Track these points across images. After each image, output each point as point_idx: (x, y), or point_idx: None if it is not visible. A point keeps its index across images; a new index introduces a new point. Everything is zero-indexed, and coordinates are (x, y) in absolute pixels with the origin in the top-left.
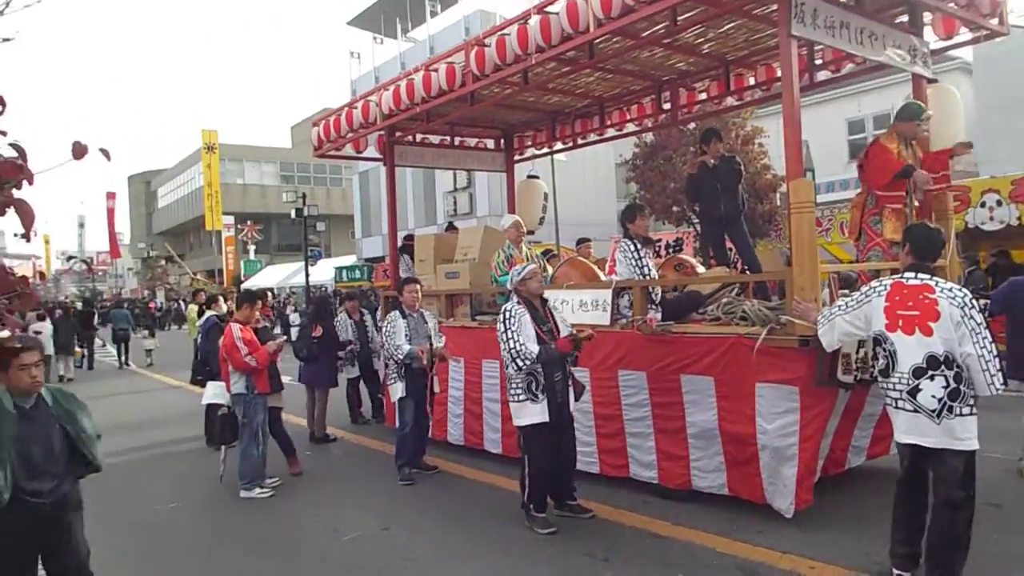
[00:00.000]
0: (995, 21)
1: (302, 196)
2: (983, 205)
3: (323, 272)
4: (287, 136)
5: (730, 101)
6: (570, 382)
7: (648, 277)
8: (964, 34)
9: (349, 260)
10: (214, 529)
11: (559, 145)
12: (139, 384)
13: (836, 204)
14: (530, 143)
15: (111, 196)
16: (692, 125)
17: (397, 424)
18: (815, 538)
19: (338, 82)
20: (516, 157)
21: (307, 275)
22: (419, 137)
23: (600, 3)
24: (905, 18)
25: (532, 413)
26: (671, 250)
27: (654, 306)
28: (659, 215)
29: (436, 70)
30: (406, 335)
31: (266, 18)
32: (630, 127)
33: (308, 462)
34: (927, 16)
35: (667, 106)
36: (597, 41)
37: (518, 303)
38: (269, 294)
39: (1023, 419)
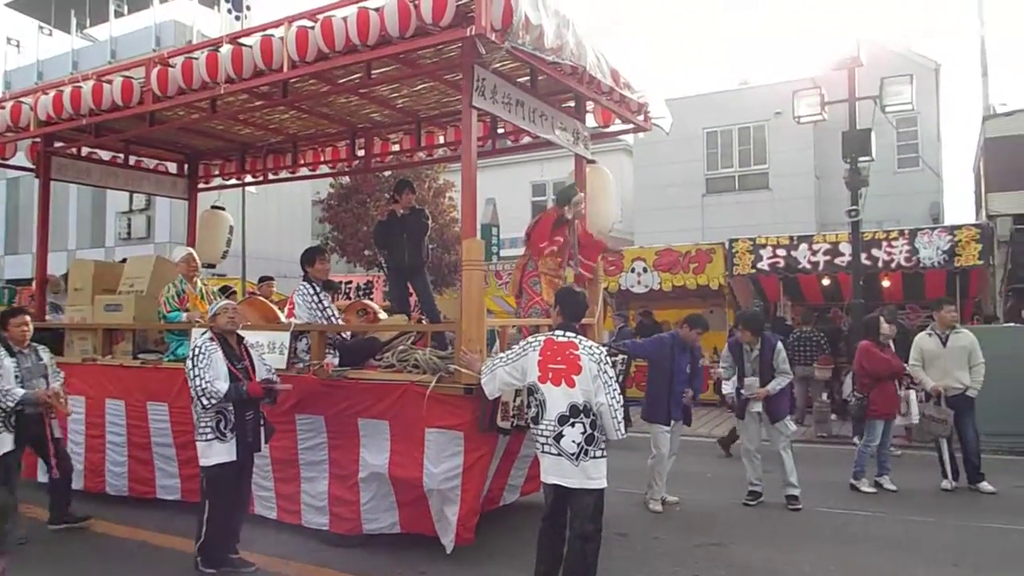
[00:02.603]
0: (641, 118)
1: None
2: (633, 271)
3: None
4: None
5: (422, 155)
6: (262, 422)
7: (329, 321)
8: (619, 124)
9: None
10: None
11: (249, 178)
12: None
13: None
14: (217, 172)
15: None
16: (388, 172)
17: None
18: (474, 573)
19: None
20: (201, 185)
21: None
22: (85, 151)
23: (296, 45)
24: (572, 104)
25: (219, 452)
26: (361, 294)
27: (332, 351)
28: (351, 258)
29: (110, 81)
30: (16, 376)
31: None
32: (324, 168)
33: None
34: (590, 105)
35: (361, 152)
36: (292, 80)
37: (211, 339)
38: None
39: (649, 460)
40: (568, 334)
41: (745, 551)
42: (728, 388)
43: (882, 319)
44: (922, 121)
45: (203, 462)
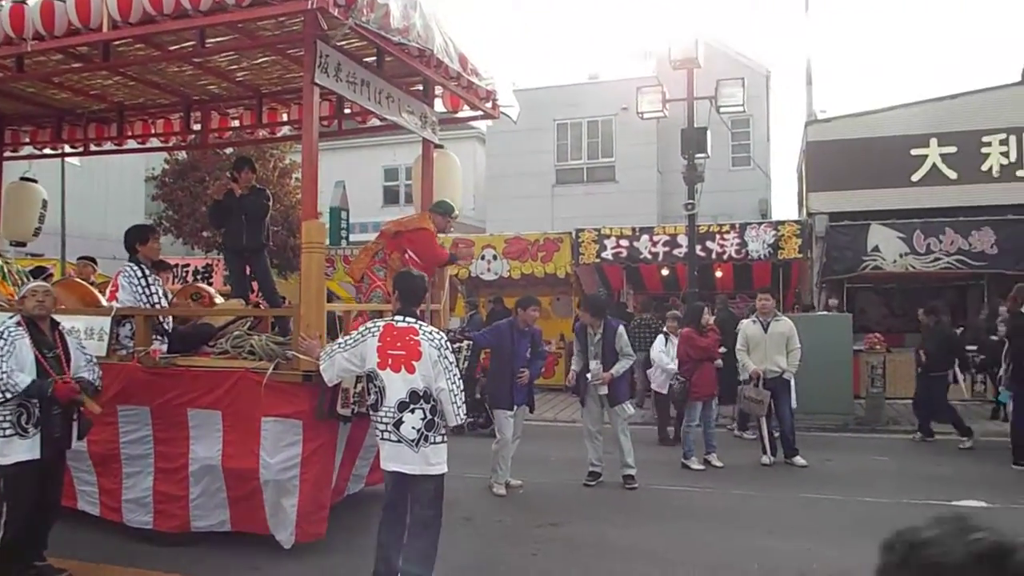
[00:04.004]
0: (489, 105)
1: None
2: (483, 258)
3: None
4: None
5: (264, 133)
6: (76, 416)
7: (156, 306)
8: (468, 111)
9: None
10: None
11: (68, 148)
12: None
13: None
14: (28, 140)
15: None
16: (230, 149)
17: None
18: (311, 568)
19: None
20: (8, 153)
21: None
22: None
23: (117, 3)
24: (420, 88)
25: (19, 450)
26: (199, 277)
27: (160, 337)
28: (188, 239)
29: None
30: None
31: None
32: (155, 142)
33: None
34: (439, 90)
35: (197, 126)
36: (116, 43)
37: (17, 324)
38: None
39: (493, 445)
40: (408, 319)
41: (583, 529)
42: (575, 369)
43: (705, 309)
44: (754, 123)
45: (1, 460)
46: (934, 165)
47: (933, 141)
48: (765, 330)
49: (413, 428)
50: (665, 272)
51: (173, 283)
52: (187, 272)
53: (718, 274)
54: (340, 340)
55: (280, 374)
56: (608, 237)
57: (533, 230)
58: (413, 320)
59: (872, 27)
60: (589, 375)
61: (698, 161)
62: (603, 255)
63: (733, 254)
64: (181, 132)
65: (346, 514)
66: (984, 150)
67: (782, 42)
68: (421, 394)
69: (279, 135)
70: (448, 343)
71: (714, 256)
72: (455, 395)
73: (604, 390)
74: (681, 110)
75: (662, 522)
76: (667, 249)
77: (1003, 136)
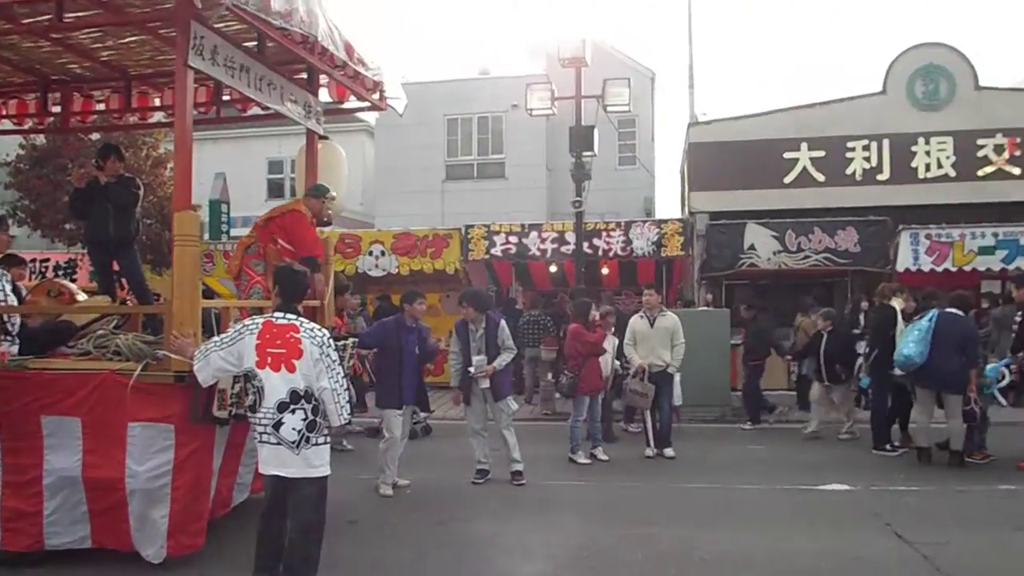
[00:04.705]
0: (376, 96)
1: None
2: (370, 254)
3: None
4: None
5: (134, 119)
6: None
7: (3, 303)
8: (355, 102)
9: None
10: None
11: None
12: None
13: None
14: None
15: None
16: (97, 135)
17: None
18: None
19: None
20: None
21: None
22: None
23: None
24: (304, 76)
25: None
26: (61, 273)
27: (9, 338)
28: (48, 232)
29: None
30: None
31: None
32: (7, 124)
33: None
34: (323, 79)
35: (56, 109)
36: None
37: None
38: None
39: (380, 445)
40: (289, 316)
41: (470, 527)
42: (455, 367)
43: (593, 305)
44: (639, 124)
45: None
46: (804, 168)
47: (804, 145)
48: (651, 325)
49: (294, 429)
50: (553, 269)
51: (30, 279)
52: (46, 268)
53: (604, 271)
54: (216, 338)
55: (149, 375)
56: (497, 233)
57: (422, 226)
58: (294, 317)
59: (752, 33)
60: (472, 369)
61: (586, 159)
62: (492, 251)
63: (619, 251)
64: (38, 114)
65: (231, 524)
66: (849, 155)
67: (666, 47)
68: (302, 394)
69: (151, 121)
70: (331, 340)
71: (600, 253)
72: (338, 394)
73: (486, 383)
74: (569, 108)
75: (550, 517)
76: (555, 246)
77: (865, 142)
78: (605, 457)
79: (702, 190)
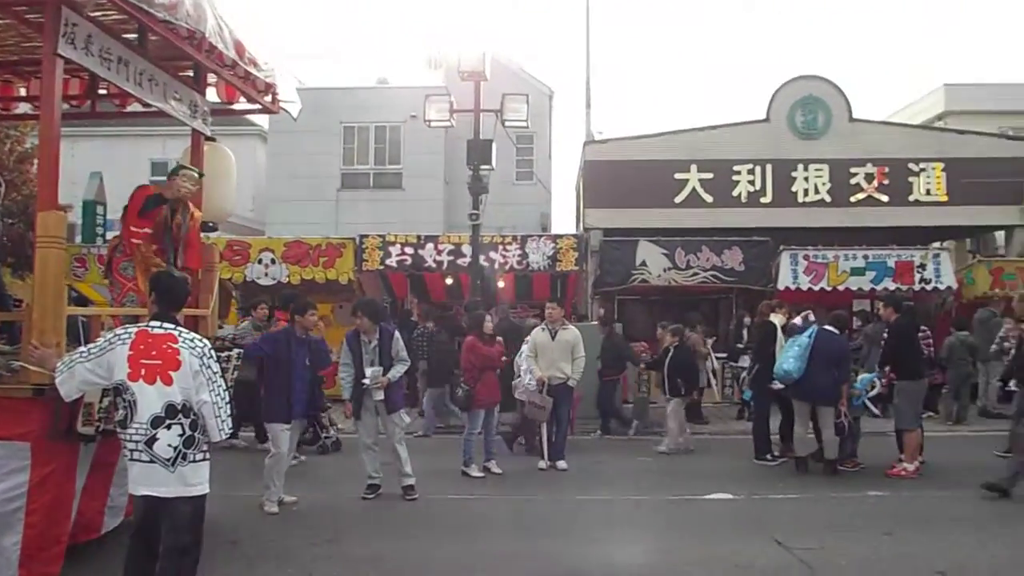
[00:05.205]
0: (268, 99)
1: None
2: (260, 262)
3: None
4: None
5: None
6: None
7: None
8: (246, 104)
9: None
10: None
11: None
12: None
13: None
14: None
15: None
16: None
17: None
18: None
19: None
20: None
21: None
22: None
23: None
24: (191, 74)
25: None
26: None
27: None
28: None
29: None
30: None
31: None
32: None
33: None
34: (212, 78)
35: None
36: None
37: None
38: None
39: (267, 460)
40: (166, 325)
41: (360, 544)
42: (345, 380)
43: (487, 317)
44: (537, 140)
45: None
46: (694, 189)
47: (693, 167)
48: (553, 338)
49: (169, 445)
50: (449, 281)
51: None
52: None
53: (500, 284)
54: (83, 348)
55: (2, 388)
56: (393, 244)
57: (316, 234)
58: (172, 326)
59: (647, 56)
60: (366, 381)
61: (483, 173)
62: (387, 262)
63: (515, 264)
64: None
65: (99, 550)
66: (735, 178)
67: (565, 66)
68: (179, 408)
69: (15, 112)
70: (212, 351)
71: (497, 266)
72: (219, 408)
73: (381, 395)
74: (468, 121)
75: (441, 533)
76: (451, 258)
77: (750, 166)
78: (499, 470)
79: (596, 207)
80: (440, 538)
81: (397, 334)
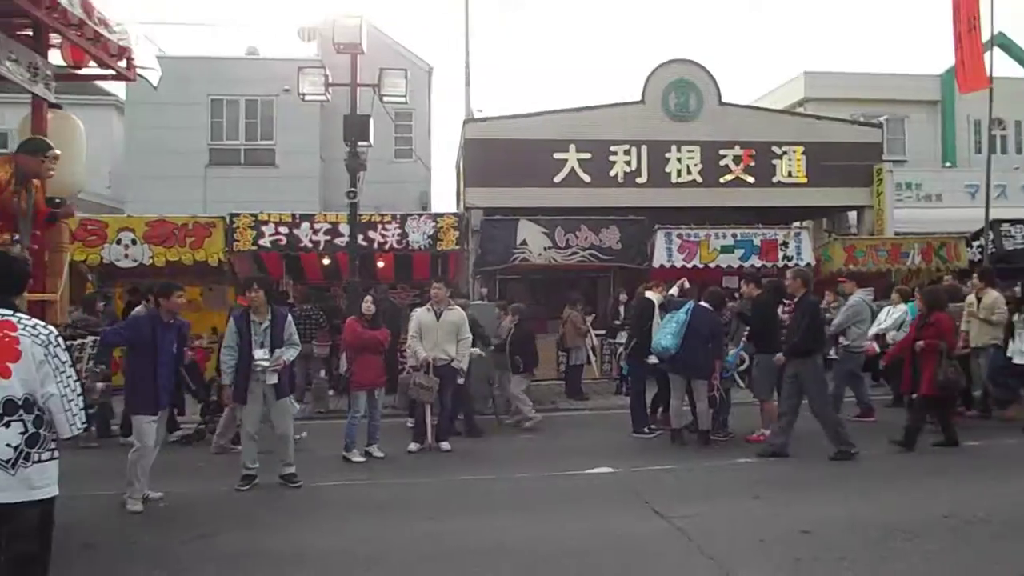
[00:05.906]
0: (123, 65)
1: None
2: (119, 242)
3: None
4: None
5: None
6: None
7: None
8: (96, 68)
9: None
10: None
11: None
12: None
13: None
14: None
15: None
16: None
17: None
18: None
19: None
20: None
21: None
22: None
23: None
24: (30, 32)
25: None
26: None
27: None
28: None
29: None
30: None
31: None
32: None
33: None
34: (55, 38)
35: None
36: None
37: None
38: None
39: (130, 454)
40: (3, 311)
41: (235, 539)
42: (228, 363)
43: (368, 297)
44: (416, 117)
45: None
46: (572, 169)
47: (572, 147)
48: (437, 318)
49: (8, 445)
50: (326, 261)
51: None
52: None
53: (380, 264)
54: None
55: None
56: (266, 223)
57: (181, 213)
58: (10, 312)
59: (526, 36)
60: (264, 363)
61: (361, 149)
62: (261, 242)
63: (395, 244)
64: None
65: None
66: (612, 158)
67: (444, 43)
68: (20, 403)
69: None
70: (60, 339)
71: (376, 246)
72: (69, 400)
73: (274, 379)
74: (345, 96)
75: (322, 521)
76: (328, 238)
77: (627, 147)
78: (380, 454)
79: (477, 186)
80: (318, 527)
81: (290, 317)
